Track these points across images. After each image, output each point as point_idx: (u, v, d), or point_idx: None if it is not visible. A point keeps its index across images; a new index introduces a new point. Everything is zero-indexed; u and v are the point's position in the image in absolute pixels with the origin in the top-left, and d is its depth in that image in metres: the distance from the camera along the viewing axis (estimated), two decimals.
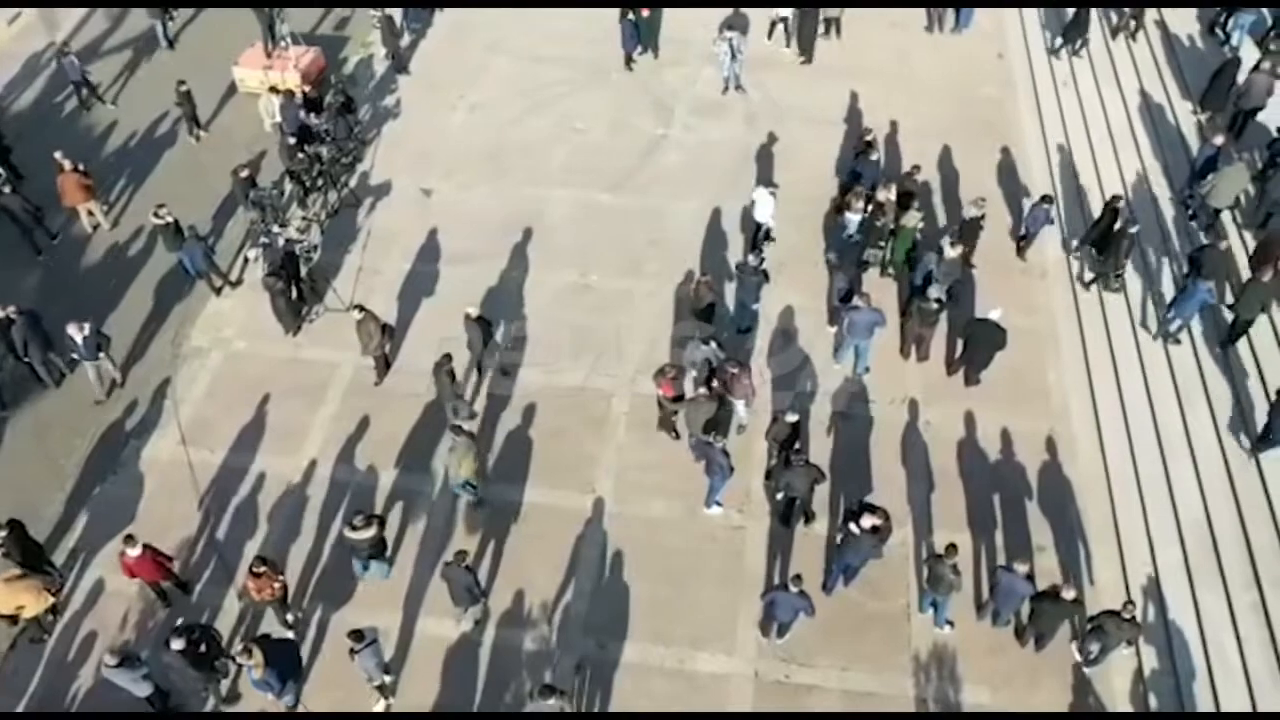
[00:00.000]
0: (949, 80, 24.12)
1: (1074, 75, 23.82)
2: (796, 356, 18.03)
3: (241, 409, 17.30)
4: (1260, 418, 16.08)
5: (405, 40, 25.11)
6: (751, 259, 17.79)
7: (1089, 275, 18.94)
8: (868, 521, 13.72)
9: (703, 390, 16.15)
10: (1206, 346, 17.59)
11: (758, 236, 19.60)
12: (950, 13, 25.53)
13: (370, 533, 14.14)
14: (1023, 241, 19.53)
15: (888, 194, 18.75)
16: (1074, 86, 23.53)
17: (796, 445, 15.43)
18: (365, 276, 19.50)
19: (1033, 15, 25.92)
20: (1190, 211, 19.58)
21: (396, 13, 24.86)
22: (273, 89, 21.93)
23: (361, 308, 16.91)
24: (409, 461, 16.56)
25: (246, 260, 19.69)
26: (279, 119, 21.31)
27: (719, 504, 15.77)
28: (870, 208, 18.90)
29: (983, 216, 18.51)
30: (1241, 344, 17.38)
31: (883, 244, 18.94)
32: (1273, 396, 15.76)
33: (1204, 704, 13.56)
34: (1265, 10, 22.37)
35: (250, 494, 16.18)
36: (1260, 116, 20.78)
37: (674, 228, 20.52)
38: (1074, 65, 24.05)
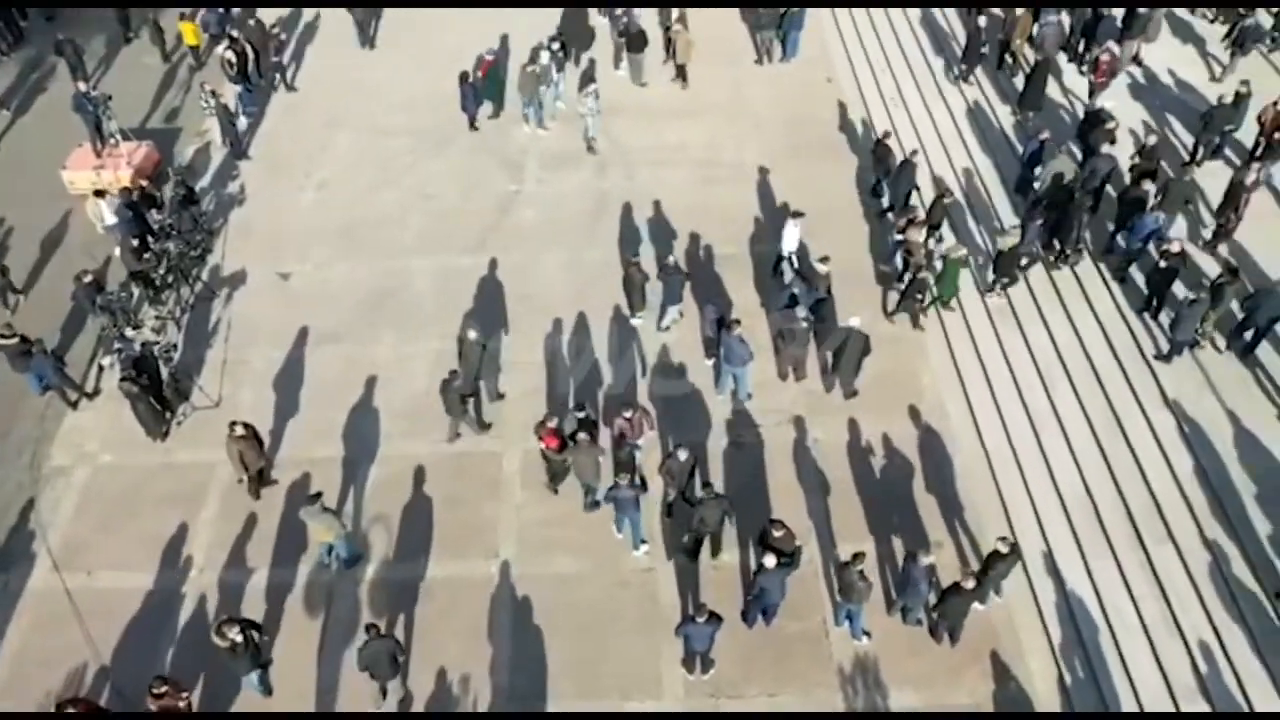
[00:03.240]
0: (785, 108, 24.99)
1: (900, 92, 25.01)
2: (680, 390, 18.24)
3: (116, 525, 16.43)
4: (1116, 386, 17.28)
5: (242, 124, 24.54)
6: (677, 260, 18.55)
7: (1050, 257, 19.58)
8: (770, 560, 13.87)
9: (584, 435, 15.66)
10: (1059, 325, 18.60)
11: (799, 268, 19.94)
12: (777, 44, 26.54)
13: (231, 640, 13.31)
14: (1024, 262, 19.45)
15: (917, 234, 18.84)
16: (902, 102, 24.69)
17: (703, 480, 15.53)
18: (232, 369, 18.85)
19: (854, 40, 27.13)
20: (1030, 201, 20.62)
21: (231, 98, 24.32)
22: (98, 193, 20.81)
23: (243, 426, 15.99)
24: (301, 554, 15.97)
25: (101, 368, 18.80)
26: (109, 222, 20.36)
27: (644, 541, 15.76)
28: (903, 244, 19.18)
29: (1018, 245, 18.68)
30: (1091, 322, 18.48)
31: (920, 296, 18.95)
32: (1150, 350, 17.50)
33: (1113, 665, 14.18)
34: (1065, 15, 24.05)
35: (138, 613, 15.31)
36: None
37: (541, 281, 20.55)
38: (899, 82, 25.26)
